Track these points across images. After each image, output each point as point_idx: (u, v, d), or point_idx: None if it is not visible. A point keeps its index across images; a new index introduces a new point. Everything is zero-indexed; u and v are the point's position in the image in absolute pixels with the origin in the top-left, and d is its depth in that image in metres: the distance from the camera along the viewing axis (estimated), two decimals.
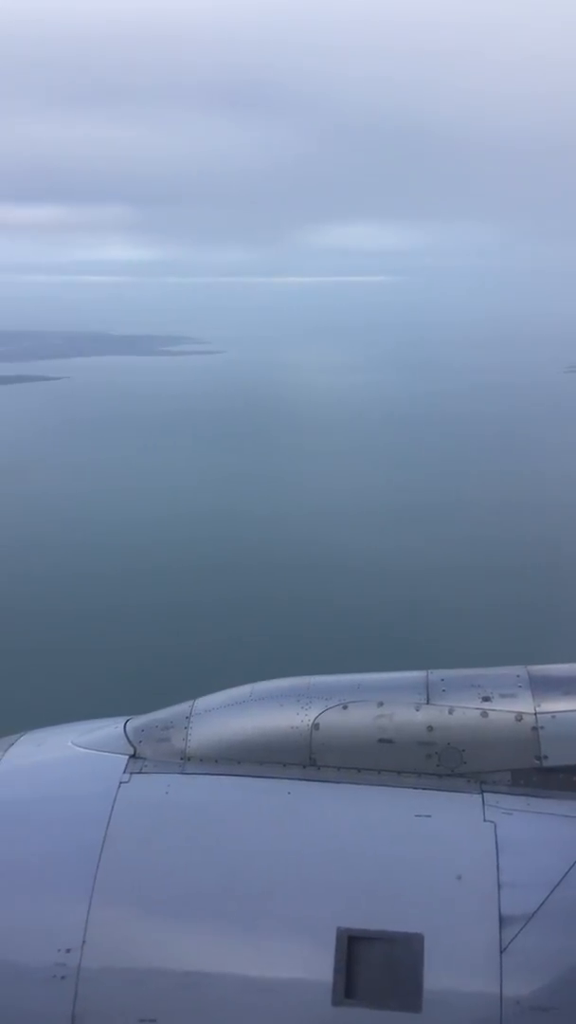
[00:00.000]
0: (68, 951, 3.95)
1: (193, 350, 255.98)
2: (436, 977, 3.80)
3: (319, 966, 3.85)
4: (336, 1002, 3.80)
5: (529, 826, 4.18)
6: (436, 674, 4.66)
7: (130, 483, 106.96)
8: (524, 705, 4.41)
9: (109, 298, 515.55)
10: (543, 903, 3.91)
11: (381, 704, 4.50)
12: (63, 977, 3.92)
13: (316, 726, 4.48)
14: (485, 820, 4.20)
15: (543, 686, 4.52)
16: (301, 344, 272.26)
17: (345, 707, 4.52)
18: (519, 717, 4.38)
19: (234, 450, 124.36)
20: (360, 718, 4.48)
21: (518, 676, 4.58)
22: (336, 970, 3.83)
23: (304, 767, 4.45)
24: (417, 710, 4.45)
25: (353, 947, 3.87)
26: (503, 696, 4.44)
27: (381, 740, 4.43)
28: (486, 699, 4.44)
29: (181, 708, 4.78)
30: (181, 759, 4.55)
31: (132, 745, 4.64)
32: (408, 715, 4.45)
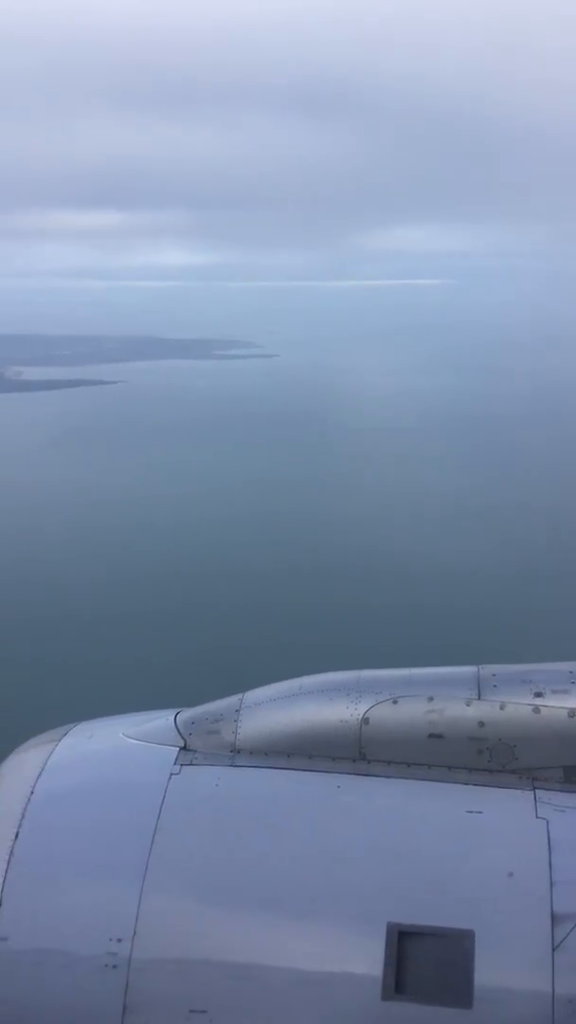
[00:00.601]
0: (119, 941, 3.97)
1: (248, 354, 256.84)
2: (487, 974, 3.78)
3: (369, 960, 3.84)
4: (386, 997, 3.79)
5: None
6: (487, 669, 4.62)
7: (186, 487, 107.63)
8: None
9: (165, 302, 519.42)
10: None
11: (431, 699, 4.46)
12: (114, 967, 3.93)
13: (366, 720, 4.46)
14: (537, 817, 4.15)
15: None
16: (357, 348, 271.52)
17: (395, 701, 4.49)
18: (572, 713, 4.31)
19: (288, 454, 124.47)
20: (410, 713, 4.44)
21: (571, 672, 4.51)
22: (386, 965, 3.82)
23: (354, 761, 4.43)
24: (468, 705, 4.41)
25: (403, 942, 3.85)
26: (555, 692, 4.38)
27: (432, 735, 4.39)
28: (538, 695, 4.38)
29: (231, 701, 4.79)
30: (231, 752, 4.55)
31: (182, 737, 4.66)
32: (459, 710, 4.40)
